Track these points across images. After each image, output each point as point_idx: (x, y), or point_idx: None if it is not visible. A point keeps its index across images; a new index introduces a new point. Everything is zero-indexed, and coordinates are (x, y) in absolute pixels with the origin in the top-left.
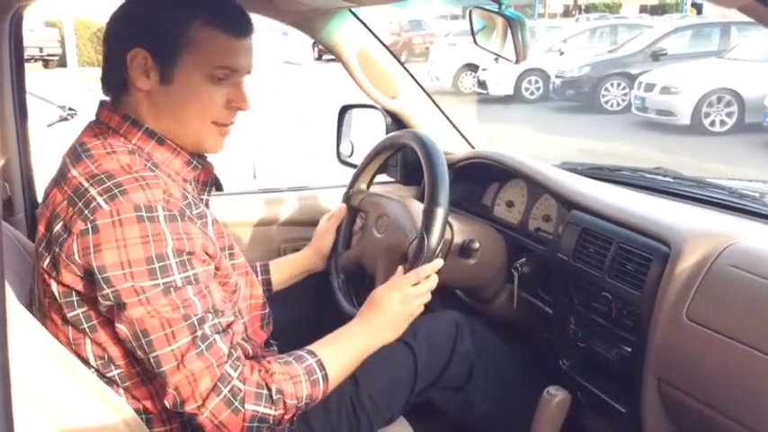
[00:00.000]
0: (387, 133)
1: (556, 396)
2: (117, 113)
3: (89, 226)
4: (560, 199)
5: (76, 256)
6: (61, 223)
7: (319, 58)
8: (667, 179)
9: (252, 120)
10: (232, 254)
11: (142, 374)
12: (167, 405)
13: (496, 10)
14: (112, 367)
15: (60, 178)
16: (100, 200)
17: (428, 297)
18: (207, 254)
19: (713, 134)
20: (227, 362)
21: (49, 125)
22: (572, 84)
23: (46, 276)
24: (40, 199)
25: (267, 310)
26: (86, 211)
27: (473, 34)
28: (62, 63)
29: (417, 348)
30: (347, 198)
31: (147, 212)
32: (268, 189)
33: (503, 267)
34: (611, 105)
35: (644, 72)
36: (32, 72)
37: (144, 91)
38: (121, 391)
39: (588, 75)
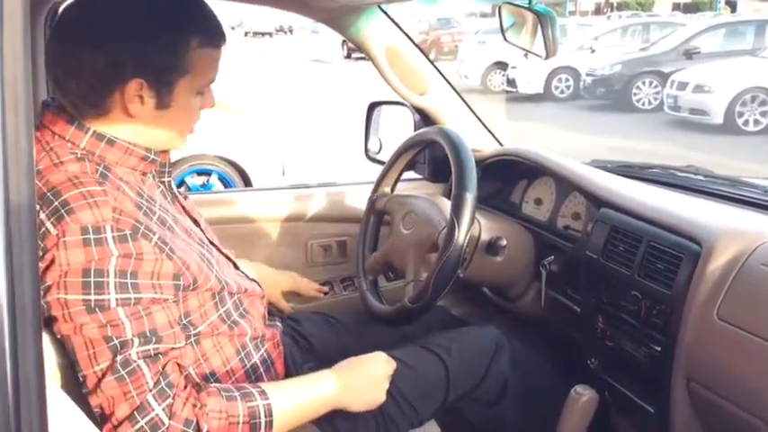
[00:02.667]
0: (415, 130)
1: (583, 395)
2: (61, 117)
3: (39, 253)
4: (589, 197)
5: None
6: None
7: (348, 56)
8: (698, 177)
9: (281, 117)
10: (209, 251)
11: None
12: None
13: (526, 5)
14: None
15: None
16: (48, 224)
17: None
18: (159, 275)
19: (747, 133)
20: (150, 391)
21: None
22: (603, 82)
23: None
24: None
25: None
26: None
27: (503, 30)
28: None
29: (450, 363)
30: (371, 201)
31: (94, 234)
32: (297, 185)
33: (530, 265)
34: (643, 104)
35: (677, 70)
36: None
37: (131, 115)
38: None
39: (620, 73)
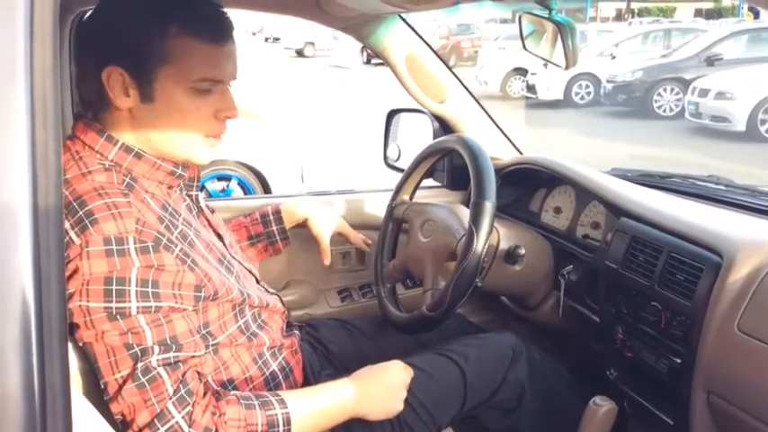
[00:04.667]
0: (434, 138)
1: (602, 406)
2: (92, 128)
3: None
4: (609, 206)
5: None
6: None
7: (368, 62)
8: (720, 187)
9: (300, 123)
10: (230, 266)
11: None
12: None
13: (546, 15)
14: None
15: None
16: (72, 234)
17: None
18: (180, 285)
19: None
20: (170, 398)
21: None
22: (624, 88)
23: None
24: None
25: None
26: None
27: (522, 40)
28: None
29: (468, 370)
30: (390, 209)
31: (116, 245)
32: (316, 192)
33: (549, 274)
34: (664, 111)
35: (698, 77)
36: None
37: (125, 109)
38: None
39: (641, 79)
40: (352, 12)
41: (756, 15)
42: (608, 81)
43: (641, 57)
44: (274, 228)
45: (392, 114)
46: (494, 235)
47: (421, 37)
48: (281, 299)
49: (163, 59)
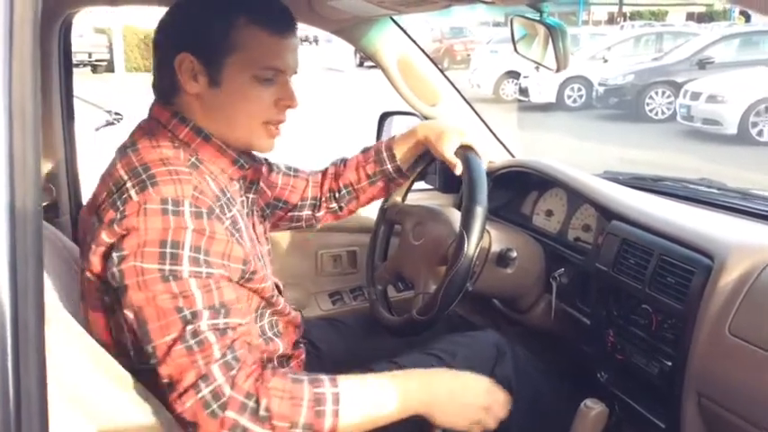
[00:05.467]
0: None
1: (593, 409)
2: (167, 109)
3: (117, 215)
4: (600, 209)
5: (103, 243)
6: (100, 214)
7: (361, 64)
8: (711, 190)
9: (292, 125)
10: (265, 266)
11: None
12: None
13: (538, 18)
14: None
15: (106, 173)
16: (132, 192)
17: (500, 412)
18: (230, 257)
19: (761, 144)
20: (216, 361)
21: (97, 129)
22: (615, 92)
23: (86, 266)
24: (85, 202)
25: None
26: (119, 202)
27: (514, 43)
28: (110, 68)
29: (456, 368)
30: (382, 211)
31: (173, 206)
32: None
33: (541, 277)
34: (656, 114)
35: (690, 80)
36: (82, 77)
37: (194, 94)
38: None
39: (632, 83)
40: (345, 14)
41: (748, 19)
42: (600, 84)
43: (633, 60)
44: (389, 166)
45: (384, 117)
46: (485, 238)
47: (413, 40)
48: (302, 314)
49: (230, 48)
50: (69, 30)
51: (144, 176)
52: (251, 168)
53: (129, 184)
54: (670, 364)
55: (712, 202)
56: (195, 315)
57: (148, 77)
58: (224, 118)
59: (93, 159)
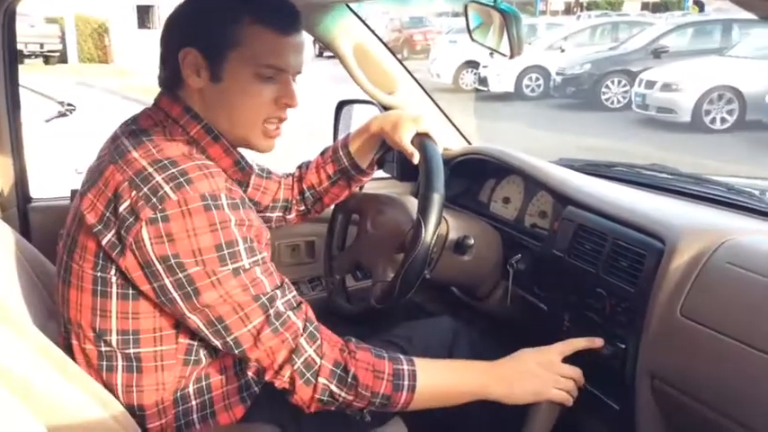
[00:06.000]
0: None
1: None
2: (178, 104)
3: (158, 215)
4: (556, 195)
5: (147, 243)
6: (126, 206)
7: (320, 54)
8: (663, 175)
9: None
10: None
11: (159, 360)
12: (250, 375)
13: (491, 4)
14: (132, 346)
15: (118, 157)
16: (167, 188)
17: (570, 387)
18: (261, 240)
19: (714, 132)
20: (302, 335)
21: (47, 120)
22: (573, 81)
23: (99, 253)
24: (33, 194)
25: None
26: (154, 199)
27: (469, 30)
28: (63, 59)
29: (412, 353)
30: (341, 201)
31: (212, 201)
32: None
33: (498, 264)
34: (612, 102)
35: (645, 69)
36: (33, 68)
37: (196, 89)
38: (120, 384)
39: (589, 72)
40: (299, 0)
41: (701, 8)
42: (557, 74)
43: (590, 50)
44: (347, 164)
45: (341, 105)
46: (443, 225)
47: (370, 28)
48: None
49: (234, 44)
50: (13, 18)
51: (175, 172)
52: (249, 171)
53: (159, 179)
54: (623, 346)
55: (665, 186)
56: (271, 298)
57: (102, 69)
58: (224, 113)
59: (43, 151)
